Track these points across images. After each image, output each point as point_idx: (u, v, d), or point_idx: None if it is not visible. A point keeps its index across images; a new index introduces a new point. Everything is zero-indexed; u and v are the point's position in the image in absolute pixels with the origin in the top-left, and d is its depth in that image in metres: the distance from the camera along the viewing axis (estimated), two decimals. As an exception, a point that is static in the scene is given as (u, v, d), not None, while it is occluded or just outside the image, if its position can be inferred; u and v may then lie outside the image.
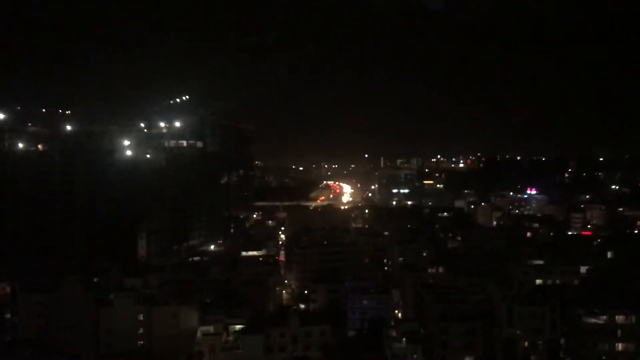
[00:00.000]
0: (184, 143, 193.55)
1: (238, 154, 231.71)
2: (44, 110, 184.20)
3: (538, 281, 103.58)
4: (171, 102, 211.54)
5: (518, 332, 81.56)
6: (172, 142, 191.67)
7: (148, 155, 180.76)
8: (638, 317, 79.45)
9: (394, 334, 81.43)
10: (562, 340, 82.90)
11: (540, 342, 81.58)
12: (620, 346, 79.28)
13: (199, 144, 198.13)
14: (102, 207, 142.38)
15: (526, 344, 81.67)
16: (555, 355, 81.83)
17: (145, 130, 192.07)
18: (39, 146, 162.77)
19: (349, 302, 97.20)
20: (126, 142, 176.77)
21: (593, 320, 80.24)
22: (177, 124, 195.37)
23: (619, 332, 79.45)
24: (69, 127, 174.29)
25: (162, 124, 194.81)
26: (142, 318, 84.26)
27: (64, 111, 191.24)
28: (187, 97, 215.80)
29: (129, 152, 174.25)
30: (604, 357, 78.62)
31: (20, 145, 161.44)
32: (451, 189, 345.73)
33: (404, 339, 78.55)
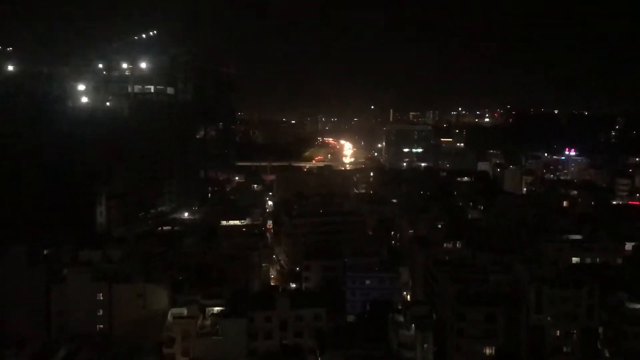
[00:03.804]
0: (151, 89, 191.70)
1: (217, 103, 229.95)
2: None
3: (574, 259, 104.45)
4: (136, 37, 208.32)
5: (548, 319, 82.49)
6: (137, 88, 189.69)
7: (108, 103, 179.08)
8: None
9: (401, 319, 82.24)
10: (600, 329, 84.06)
11: (574, 331, 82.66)
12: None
13: (170, 90, 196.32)
14: (51, 165, 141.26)
15: (557, 333, 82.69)
16: (592, 346, 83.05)
17: (104, 72, 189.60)
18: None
19: (348, 282, 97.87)
20: (81, 87, 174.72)
21: (638, 307, 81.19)
22: (143, 65, 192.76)
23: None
24: (10, 68, 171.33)
25: (124, 65, 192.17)
26: (101, 297, 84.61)
27: (4, 48, 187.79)
28: (155, 32, 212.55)
29: (84, 99, 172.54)
30: (649, 350, 79.86)
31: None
32: (474, 148, 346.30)
33: (412, 325, 79.33)
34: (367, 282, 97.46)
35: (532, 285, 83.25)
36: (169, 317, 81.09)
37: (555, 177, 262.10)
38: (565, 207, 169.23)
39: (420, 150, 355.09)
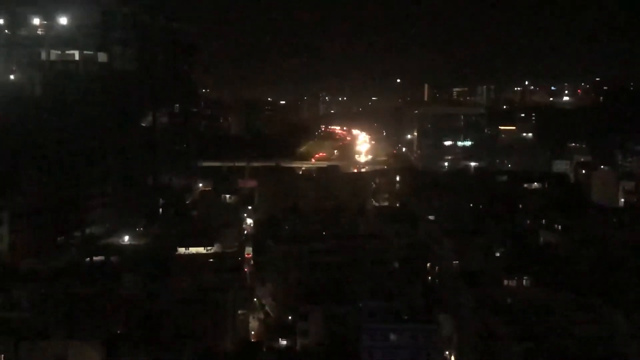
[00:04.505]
0: (75, 55, 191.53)
1: (171, 76, 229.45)
2: None
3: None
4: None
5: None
6: (55, 54, 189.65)
7: (12, 76, 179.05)
8: None
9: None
10: None
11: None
12: None
13: (102, 57, 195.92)
14: None
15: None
16: None
17: (6, 30, 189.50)
18: None
19: (364, 337, 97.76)
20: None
21: None
22: (63, 21, 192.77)
23: None
24: None
25: (35, 21, 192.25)
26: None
27: None
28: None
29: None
30: None
31: None
32: (547, 140, 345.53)
33: (459, 400, 79.44)
34: (392, 337, 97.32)
35: (635, 342, 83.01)
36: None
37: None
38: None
39: (468, 143, 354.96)
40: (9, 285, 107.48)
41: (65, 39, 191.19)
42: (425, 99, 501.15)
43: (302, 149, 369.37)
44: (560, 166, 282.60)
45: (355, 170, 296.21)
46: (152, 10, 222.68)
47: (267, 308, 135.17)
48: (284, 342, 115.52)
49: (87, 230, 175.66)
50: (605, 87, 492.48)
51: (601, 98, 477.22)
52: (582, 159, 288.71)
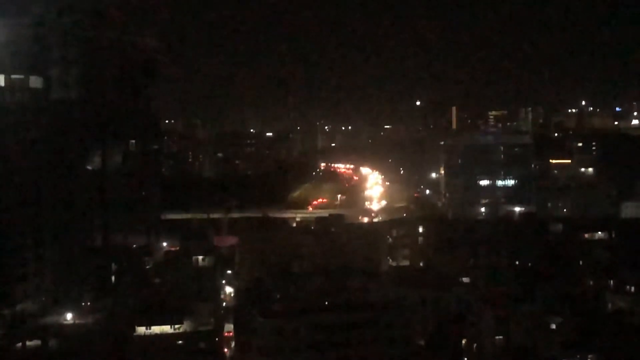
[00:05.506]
0: (1, 80, 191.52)
1: (126, 105, 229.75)
2: None
3: None
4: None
5: None
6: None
7: None
8: None
9: None
10: None
11: None
12: None
13: (36, 82, 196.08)
14: None
15: None
16: None
17: None
18: None
19: None
20: None
21: None
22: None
23: None
24: None
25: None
26: None
27: None
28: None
29: None
30: None
31: None
32: (613, 176, 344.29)
33: None
34: None
35: None
36: None
37: None
38: None
39: (511, 182, 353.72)
40: None
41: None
42: (454, 126, 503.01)
43: (296, 194, 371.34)
44: (631, 210, 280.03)
45: (366, 220, 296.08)
46: (100, 21, 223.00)
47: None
48: None
49: (18, 307, 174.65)
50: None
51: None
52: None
